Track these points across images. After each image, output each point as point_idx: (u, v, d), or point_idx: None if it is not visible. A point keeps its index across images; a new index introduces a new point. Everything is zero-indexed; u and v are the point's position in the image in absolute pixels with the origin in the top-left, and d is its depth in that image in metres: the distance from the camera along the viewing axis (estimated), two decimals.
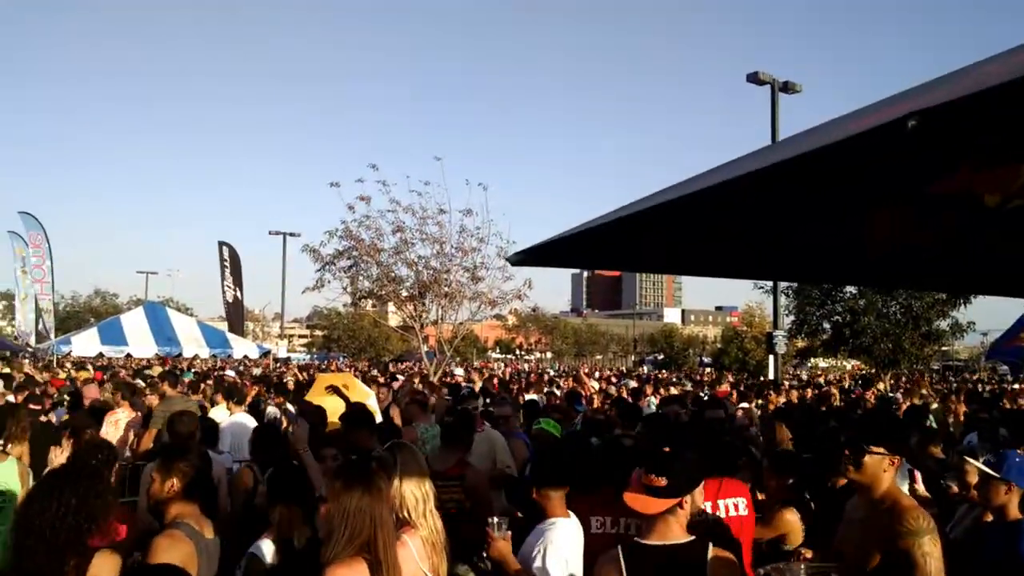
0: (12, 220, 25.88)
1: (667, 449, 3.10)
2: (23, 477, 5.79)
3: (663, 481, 2.96)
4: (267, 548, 3.39)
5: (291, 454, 5.48)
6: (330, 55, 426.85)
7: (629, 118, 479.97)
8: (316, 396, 8.55)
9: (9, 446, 6.05)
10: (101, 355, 22.22)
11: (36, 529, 2.72)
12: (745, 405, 12.01)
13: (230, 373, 20.90)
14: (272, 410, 10.57)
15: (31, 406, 7.93)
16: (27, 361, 22.43)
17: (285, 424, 9.19)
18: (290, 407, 9.87)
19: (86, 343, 21.37)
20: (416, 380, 17.88)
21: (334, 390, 7.67)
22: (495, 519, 3.51)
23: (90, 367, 21.29)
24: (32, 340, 25.89)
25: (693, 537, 2.99)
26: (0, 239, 27.85)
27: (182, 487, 3.53)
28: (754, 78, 19.10)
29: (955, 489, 5.17)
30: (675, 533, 2.96)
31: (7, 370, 17.92)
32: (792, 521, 4.52)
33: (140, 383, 12.36)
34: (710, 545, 2.97)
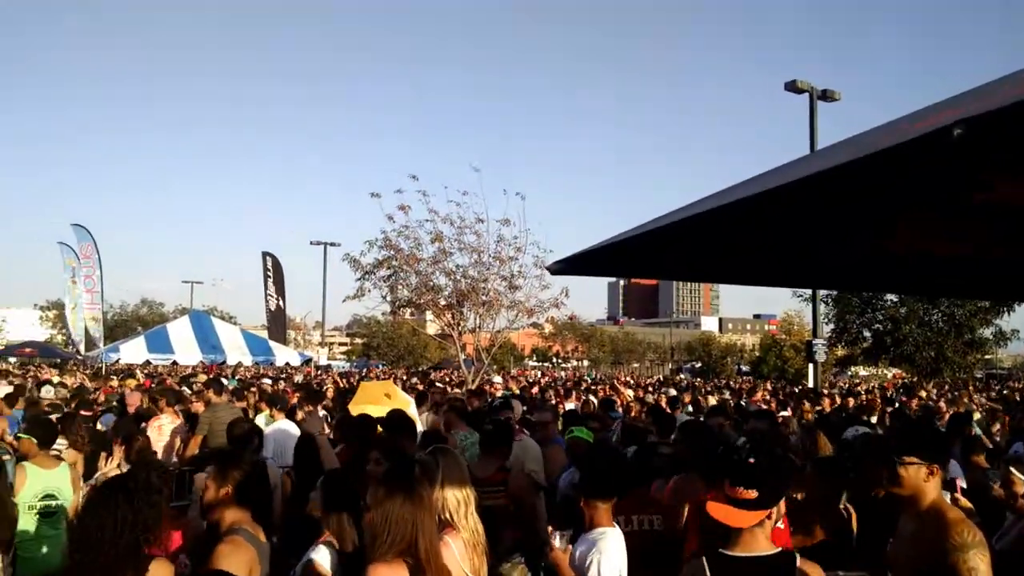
0: (63, 231, 26.64)
1: (752, 460, 3.04)
2: (75, 483, 5.95)
3: (753, 493, 2.88)
4: (323, 554, 3.42)
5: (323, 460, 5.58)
6: (378, 65, 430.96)
7: (664, 127, 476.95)
8: (360, 404, 8.64)
9: (64, 452, 6.23)
10: (148, 363, 22.62)
11: (93, 543, 2.76)
12: (785, 413, 11.89)
13: (266, 381, 21.16)
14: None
15: (82, 412, 8.14)
16: (78, 369, 22.95)
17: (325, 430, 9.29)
18: (324, 413, 9.95)
19: (133, 351, 21.78)
20: (450, 389, 17.98)
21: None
22: (559, 531, 3.54)
23: (139, 374, 21.71)
24: (82, 348, 26.47)
25: (779, 549, 2.94)
26: (51, 250, 28.61)
27: (236, 493, 3.57)
28: (792, 87, 18.92)
29: (998, 490, 5.08)
30: (761, 545, 2.89)
31: (58, 378, 18.39)
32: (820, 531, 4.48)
33: (186, 390, 12.62)
34: (797, 557, 2.92)
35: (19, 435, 6.19)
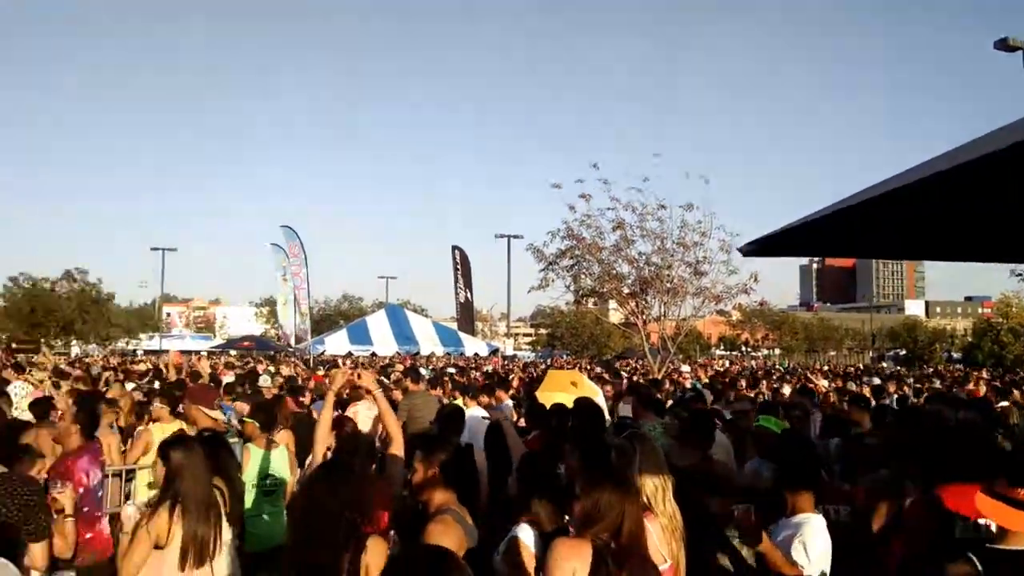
0: (275, 233, 28.92)
1: None
2: (291, 464, 6.48)
3: None
4: (527, 532, 3.51)
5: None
6: (556, 53, 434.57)
7: (857, 99, 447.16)
8: (547, 391, 8.78)
9: (278, 435, 6.79)
10: (350, 354, 24.18)
11: (315, 524, 2.98)
12: (1004, 404, 10.94)
13: (451, 370, 22.02)
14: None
15: (299, 399, 8.85)
16: (292, 360, 24.91)
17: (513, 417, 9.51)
18: (511, 402, 10.17)
19: (337, 343, 23.35)
20: (636, 379, 17.84)
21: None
22: (742, 506, 3.48)
23: (342, 365, 23.24)
24: (292, 341, 28.64)
25: None
26: (264, 251, 31.16)
27: (442, 475, 3.71)
28: (1003, 45, 17.19)
29: None
30: None
31: (273, 368, 20.05)
32: None
33: (384, 379, 13.37)
34: None
35: (243, 419, 6.81)
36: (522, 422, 8.52)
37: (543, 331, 78.95)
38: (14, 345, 44.12)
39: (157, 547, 3.74)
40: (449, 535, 3.38)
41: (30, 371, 13.57)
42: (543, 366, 32.18)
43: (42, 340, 44.03)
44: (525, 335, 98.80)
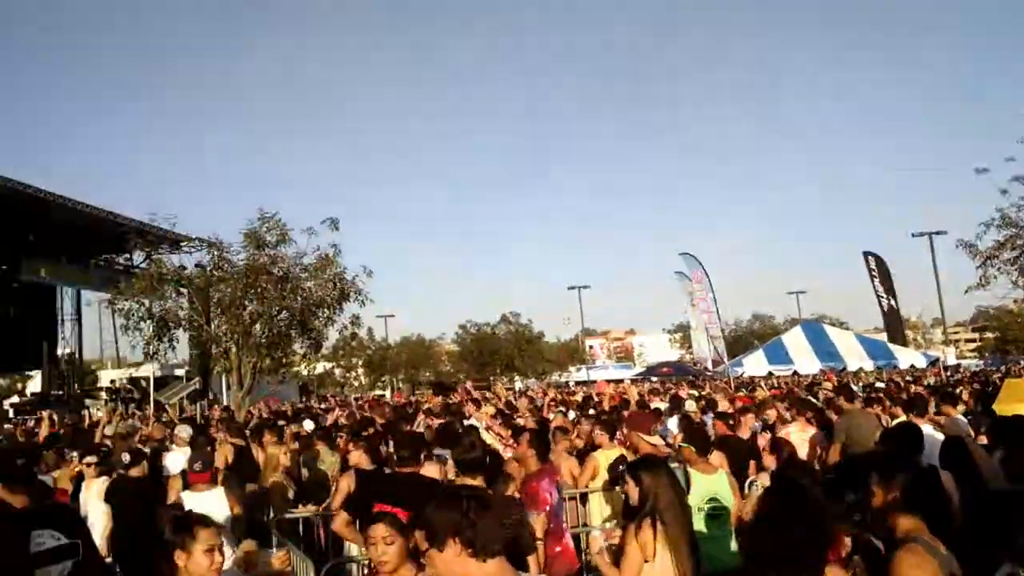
0: (677, 261, 29.81)
1: None
2: (733, 488, 6.53)
3: None
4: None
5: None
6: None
7: None
8: (1006, 403, 7.91)
9: (713, 458, 6.92)
10: (770, 374, 23.79)
11: (776, 547, 3.00)
12: None
13: (879, 384, 20.42)
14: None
15: (729, 422, 9.00)
16: (715, 383, 25.31)
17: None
18: (962, 418, 9.16)
19: (755, 364, 23.19)
20: None
21: None
22: None
23: (762, 386, 22.94)
24: (709, 365, 29.04)
25: None
26: (672, 280, 32.17)
27: (904, 499, 3.51)
28: None
29: None
30: None
31: (696, 393, 20.51)
32: None
33: (813, 399, 12.91)
34: None
35: (680, 444, 7.07)
36: (981, 439, 7.71)
37: (988, 335, 69.90)
38: (469, 383, 51.14)
39: (645, 561, 4.01)
40: (923, 568, 3.14)
41: (484, 405, 15.52)
42: (997, 375, 28.38)
43: (491, 378, 50.17)
44: (967, 341, 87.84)
